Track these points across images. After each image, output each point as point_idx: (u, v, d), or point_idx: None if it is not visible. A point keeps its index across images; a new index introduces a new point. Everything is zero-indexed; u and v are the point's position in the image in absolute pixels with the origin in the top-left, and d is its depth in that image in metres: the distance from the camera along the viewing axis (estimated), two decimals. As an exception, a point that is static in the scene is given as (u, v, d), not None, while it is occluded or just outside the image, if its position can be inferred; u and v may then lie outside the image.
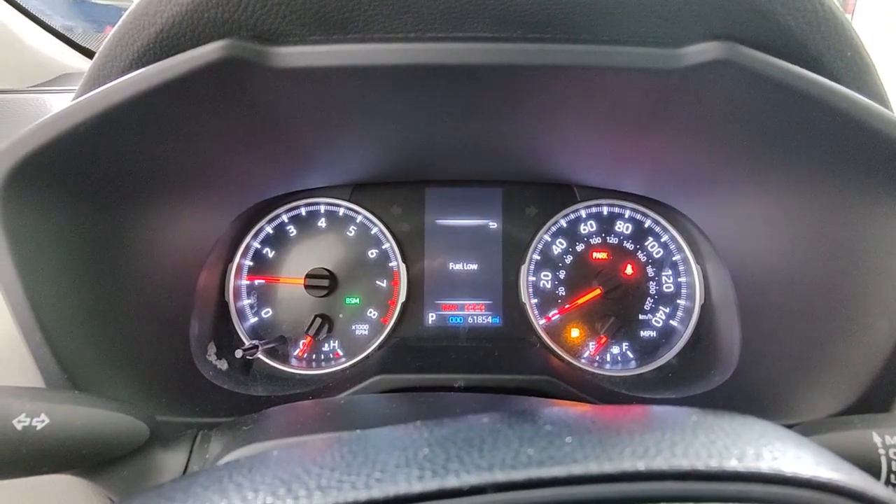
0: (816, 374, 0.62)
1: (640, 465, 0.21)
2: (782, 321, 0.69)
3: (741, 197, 0.72)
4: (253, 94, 0.54)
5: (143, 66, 0.49)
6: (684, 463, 0.21)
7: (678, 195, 0.84)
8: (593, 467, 0.21)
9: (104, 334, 0.59)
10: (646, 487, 0.20)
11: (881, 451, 0.40)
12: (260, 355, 0.84)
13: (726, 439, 0.24)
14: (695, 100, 0.56)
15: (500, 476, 0.21)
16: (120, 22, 0.50)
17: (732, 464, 0.21)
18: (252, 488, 0.23)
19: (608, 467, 0.21)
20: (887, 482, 0.40)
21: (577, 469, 0.21)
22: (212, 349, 0.80)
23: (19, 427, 0.40)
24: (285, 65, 0.49)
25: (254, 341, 0.81)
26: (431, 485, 0.21)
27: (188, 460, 0.48)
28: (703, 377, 0.79)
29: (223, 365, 0.80)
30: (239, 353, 0.77)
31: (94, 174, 0.56)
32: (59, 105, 0.82)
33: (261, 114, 0.58)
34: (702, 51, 0.49)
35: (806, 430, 0.44)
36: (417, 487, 0.21)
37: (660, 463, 0.21)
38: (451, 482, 0.21)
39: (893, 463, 0.40)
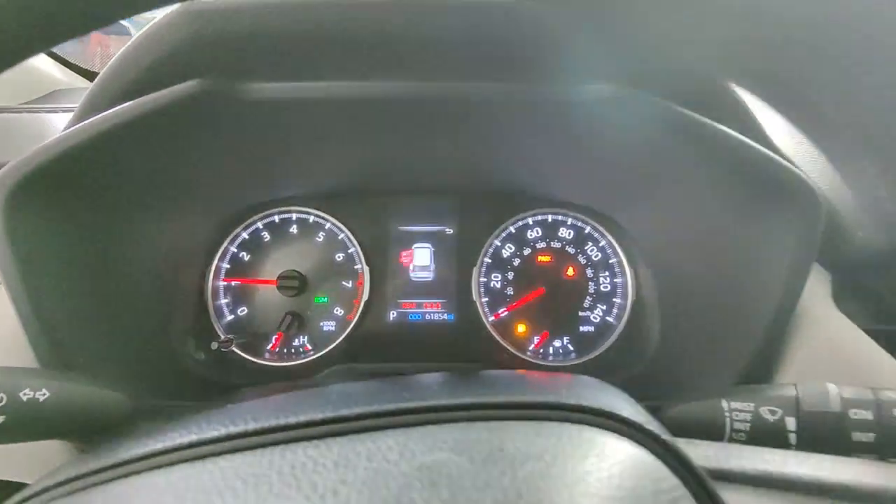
0: (716, 356, 0.72)
1: (475, 400, 0.31)
2: (690, 313, 0.80)
3: (657, 208, 0.83)
4: (227, 124, 0.63)
5: (132, 98, 0.58)
6: (500, 398, 0.30)
7: (611, 205, 0.95)
8: (441, 402, 0.30)
9: (95, 327, 0.67)
10: (462, 414, 0.30)
11: (726, 414, 0.50)
12: (234, 348, 0.93)
13: (549, 385, 0.34)
14: (602, 128, 0.66)
15: (376, 409, 0.30)
16: (112, 60, 0.59)
17: (532, 397, 0.30)
18: (208, 424, 0.32)
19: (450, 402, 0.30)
20: (730, 439, 0.50)
21: (426, 403, 0.30)
22: (191, 342, 0.89)
23: (24, 398, 0.48)
24: (252, 98, 0.59)
25: (229, 335, 0.89)
26: (329, 415, 0.30)
27: None
28: (632, 366, 0.89)
29: (201, 356, 0.89)
30: (215, 346, 0.85)
31: (89, 189, 0.65)
32: (53, 122, 0.90)
33: (235, 138, 0.68)
34: (598, 89, 0.60)
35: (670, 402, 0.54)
36: (318, 416, 0.30)
37: (485, 399, 0.31)
38: (343, 413, 0.30)
39: (735, 423, 0.50)
